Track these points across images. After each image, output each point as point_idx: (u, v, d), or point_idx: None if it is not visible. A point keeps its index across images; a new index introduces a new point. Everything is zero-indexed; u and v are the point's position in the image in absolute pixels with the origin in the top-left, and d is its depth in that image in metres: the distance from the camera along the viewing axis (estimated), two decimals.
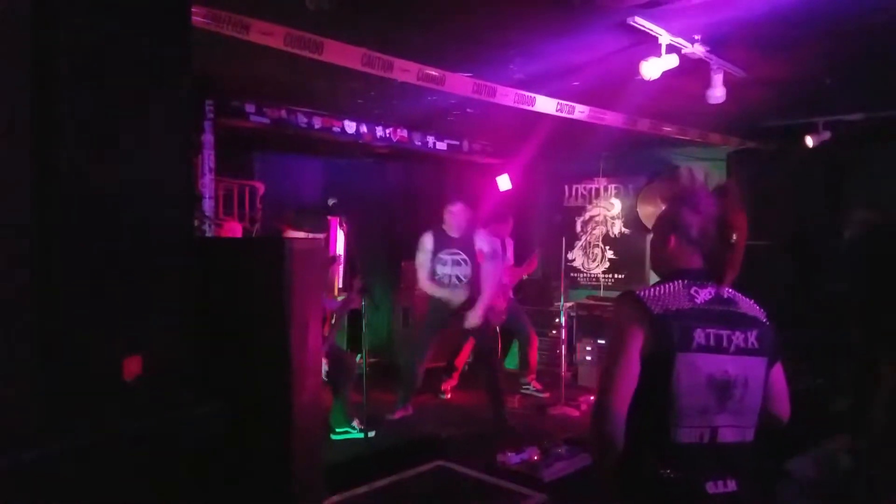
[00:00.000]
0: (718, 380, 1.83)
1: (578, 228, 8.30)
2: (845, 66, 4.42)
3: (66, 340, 1.88)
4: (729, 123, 6.11)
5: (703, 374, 1.82)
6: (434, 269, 5.77)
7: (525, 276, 7.24)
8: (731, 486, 1.83)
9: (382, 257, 8.07)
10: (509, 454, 4.66)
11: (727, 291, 1.95)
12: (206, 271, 2.32)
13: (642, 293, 1.90)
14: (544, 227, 8.35)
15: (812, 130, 5.95)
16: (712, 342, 1.84)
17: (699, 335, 1.83)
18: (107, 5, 1.97)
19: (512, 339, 7.29)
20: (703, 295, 1.90)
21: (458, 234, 5.76)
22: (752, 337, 1.90)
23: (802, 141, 6.00)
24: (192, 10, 2.64)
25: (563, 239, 6.68)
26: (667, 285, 1.92)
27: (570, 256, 8.22)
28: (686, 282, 1.91)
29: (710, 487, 1.81)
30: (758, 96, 5.11)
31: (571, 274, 8.19)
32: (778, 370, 2.00)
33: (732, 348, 1.86)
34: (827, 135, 5.89)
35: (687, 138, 5.97)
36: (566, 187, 8.41)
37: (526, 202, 8.45)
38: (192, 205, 2.29)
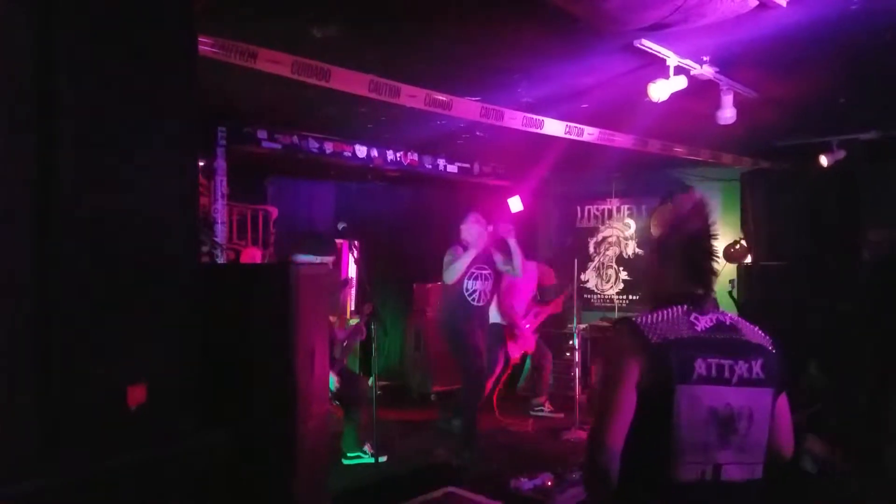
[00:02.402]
0: (721, 413, 1.72)
1: (591, 249, 8.26)
2: (858, 85, 4.39)
3: (68, 369, 1.87)
4: (741, 144, 6.08)
5: (705, 407, 1.71)
6: (465, 286, 5.52)
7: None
8: None
9: (394, 280, 8.08)
10: (522, 480, 4.60)
11: (729, 318, 1.87)
12: (211, 298, 2.33)
13: (640, 320, 1.81)
14: (557, 249, 8.31)
15: (826, 149, 5.90)
16: (714, 373, 1.74)
17: (700, 366, 1.73)
18: (110, 35, 2.00)
19: (524, 360, 7.25)
20: (704, 322, 1.81)
21: (479, 248, 5.54)
22: (756, 366, 1.79)
23: (817, 160, 5.94)
24: (200, 39, 2.67)
25: (576, 261, 6.63)
26: (666, 311, 1.82)
27: (583, 278, 8.17)
28: (686, 307, 1.82)
29: None
30: (770, 116, 5.08)
31: (585, 295, 8.14)
32: (783, 402, 1.88)
33: (735, 379, 1.76)
34: (842, 154, 5.84)
35: (699, 159, 5.93)
36: (578, 208, 8.39)
37: (538, 224, 8.44)
38: (197, 231, 2.29)
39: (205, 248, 4.49)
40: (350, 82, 3.14)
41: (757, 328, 1.92)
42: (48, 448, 1.80)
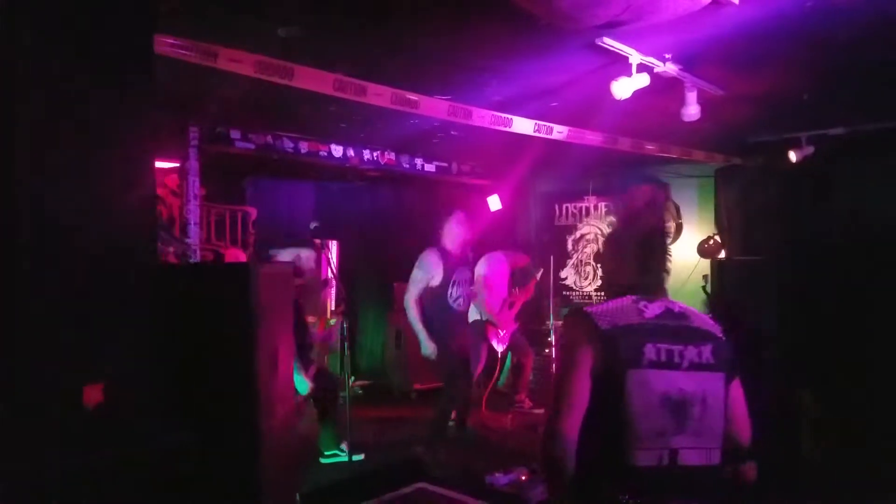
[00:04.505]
0: (674, 398, 1.76)
1: (570, 247, 8.31)
2: (820, 82, 4.44)
3: (22, 369, 1.88)
4: (713, 140, 6.13)
5: (657, 391, 1.75)
6: (450, 293, 5.42)
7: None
8: None
9: (375, 280, 8.10)
10: (497, 475, 4.63)
11: (678, 306, 1.91)
12: (172, 298, 2.34)
13: (592, 309, 1.86)
14: (535, 247, 8.35)
15: (796, 145, 5.97)
16: (663, 357, 1.77)
17: (650, 350, 1.76)
18: (67, 34, 2.01)
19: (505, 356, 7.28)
20: (653, 309, 1.85)
21: (459, 249, 5.50)
22: (706, 352, 1.83)
23: (787, 156, 6.01)
24: (162, 38, 2.69)
25: (552, 257, 6.68)
26: (616, 301, 1.88)
27: (561, 275, 8.21)
28: (635, 297, 1.88)
29: None
30: (739, 113, 5.14)
31: (564, 292, 8.18)
32: (737, 388, 1.92)
33: (685, 364, 1.79)
34: (811, 149, 5.90)
35: (670, 156, 5.99)
36: (556, 206, 8.44)
37: (517, 222, 8.49)
38: (155, 232, 2.31)
39: (170, 249, 4.49)
40: (314, 81, 3.16)
41: (707, 316, 1.97)
42: (6, 447, 1.81)
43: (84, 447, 1.99)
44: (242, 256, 6.09)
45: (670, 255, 1.98)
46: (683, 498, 1.76)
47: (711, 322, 1.95)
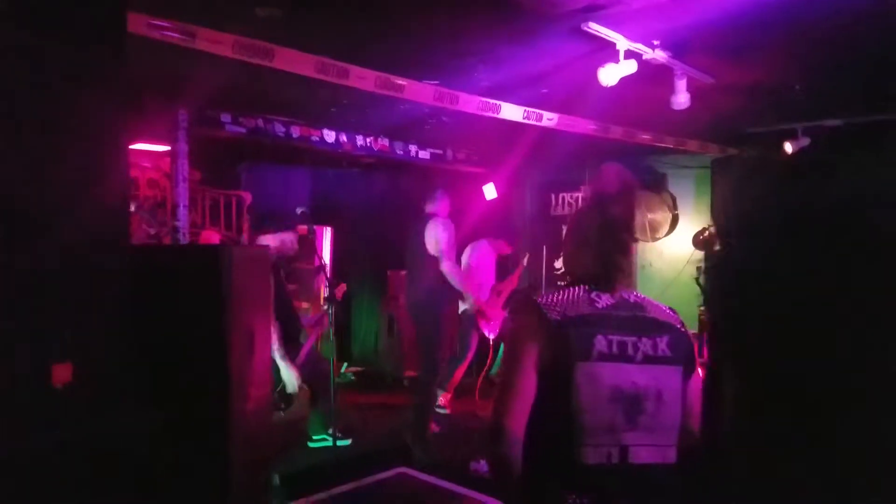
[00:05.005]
0: (626, 392, 1.65)
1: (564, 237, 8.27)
2: (812, 72, 4.40)
3: None
4: (709, 131, 6.09)
5: (607, 385, 1.64)
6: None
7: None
8: None
9: (368, 266, 8.10)
10: (482, 462, 4.64)
11: (634, 295, 1.80)
12: (145, 279, 2.33)
13: (542, 299, 1.75)
14: (530, 237, 8.33)
15: (791, 136, 5.92)
16: (615, 350, 1.66)
17: (601, 342, 1.66)
18: (34, 13, 1.99)
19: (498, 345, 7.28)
20: (606, 299, 1.75)
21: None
22: (662, 344, 1.72)
23: (782, 147, 5.96)
24: (137, 17, 2.66)
25: (545, 247, 6.65)
26: (568, 290, 1.78)
27: (556, 265, 8.18)
28: (587, 287, 1.77)
29: None
30: (730, 103, 5.10)
31: (559, 282, 8.12)
32: (696, 381, 1.78)
33: (640, 356, 1.69)
34: (806, 141, 5.86)
35: (664, 146, 5.95)
36: (552, 196, 8.40)
37: (513, 211, 8.46)
38: (127, 212, 2.29)
39: (152, 231, 4.49)
40: (295, 63, 3.12)
41: (665, 306, 1.84)
42: None
43: (51, 427, 1.99)
44: (216, 238, 6.07)
45: (633, 255, 1.86)
46: (633, 497, 1.66)
47: (670, 312, 1.84)
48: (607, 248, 1.79)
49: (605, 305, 1.74)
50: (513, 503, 1.70)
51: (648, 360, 1.70)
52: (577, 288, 1.78)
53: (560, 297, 1.75)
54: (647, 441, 1.68)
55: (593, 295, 1.76)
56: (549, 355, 1.66)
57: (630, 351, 1.69)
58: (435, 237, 5.24)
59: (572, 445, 1.63)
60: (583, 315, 1.70)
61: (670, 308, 1.86)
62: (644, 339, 1.71)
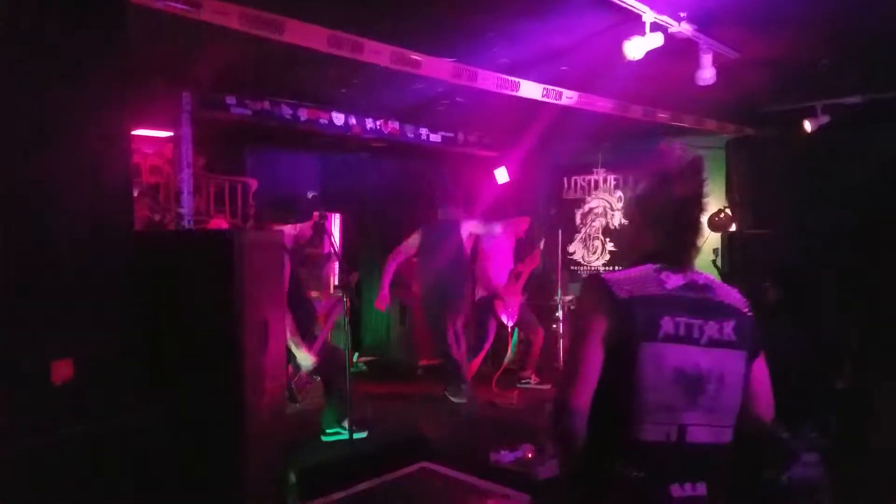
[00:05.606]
0: (689, 374, 1.67)
1: (578, 221, 8.13)
2: (840, 47, 4.25)
3: None
4: (725, 109, 5.95)
5: (670, 366, 1.66)
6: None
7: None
8: (700, 490, 1.67)
9: (380, 253, 7.94)
10: (503, 452, 4.53)
11: (703, 277, 1.78)
12: (150, 268, 2.19)
13: (609, 276, 1.74)
14: (543, 220, 8.18)
15: (811, 114, 5.75)
16: (682, 332, 1.67)
17: (667, 324, 1.66)
18: None
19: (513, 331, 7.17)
20: (675, 280, 1.74)
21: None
22: (727, 328, 1.73)
23: (801, 126, 5.80)
24: None
25: (560, 232, 6.52)
26: (636, 269, 1.76)
27: (569, 249, 8.05)
28: (657, 266, 1.75)
29: (675, 490, 1.65)
30: (753, 79, 4.94)
31: (571, 267, 8.02)
32: (760, 366, 1.82)
33: (705, 339, 1.69)
34: (826, 119, 5.69)
35: (682, 125, 5.79)
36: (565, 179, 8.25)
37: (524, 195, 8.29)
38: (130, 200, 2.16)
39: (156, 218, 4.36)
40: (307, 36, 2.95)
41: (734, 290, 1.84)
42: None
43: (54, 422, 1.89)
44: (224, 225, 5.95)
45: (704, 232, 1.83)
46: (688, 475, 1.68)
47: (738, 296, 1.83)
48: (682, 224, 1.76)
49: (673, 286, 1.73)
50: (575, 475, 1.75)
51: (713, 343, 1.71)
52: (646, 266, 1.76)
53: (628, 275, 1.75)
54: (704, 421, 1.70)
55: (662, 275, 1.74)
56: (616, 332, 1.67)
57: (696, 333, 1.70)
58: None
59: (632, 422, 1.66)
60: (650, 295, 1.70)
61: (738, 290, 1.85)
62: (711, 323, 1.72)
